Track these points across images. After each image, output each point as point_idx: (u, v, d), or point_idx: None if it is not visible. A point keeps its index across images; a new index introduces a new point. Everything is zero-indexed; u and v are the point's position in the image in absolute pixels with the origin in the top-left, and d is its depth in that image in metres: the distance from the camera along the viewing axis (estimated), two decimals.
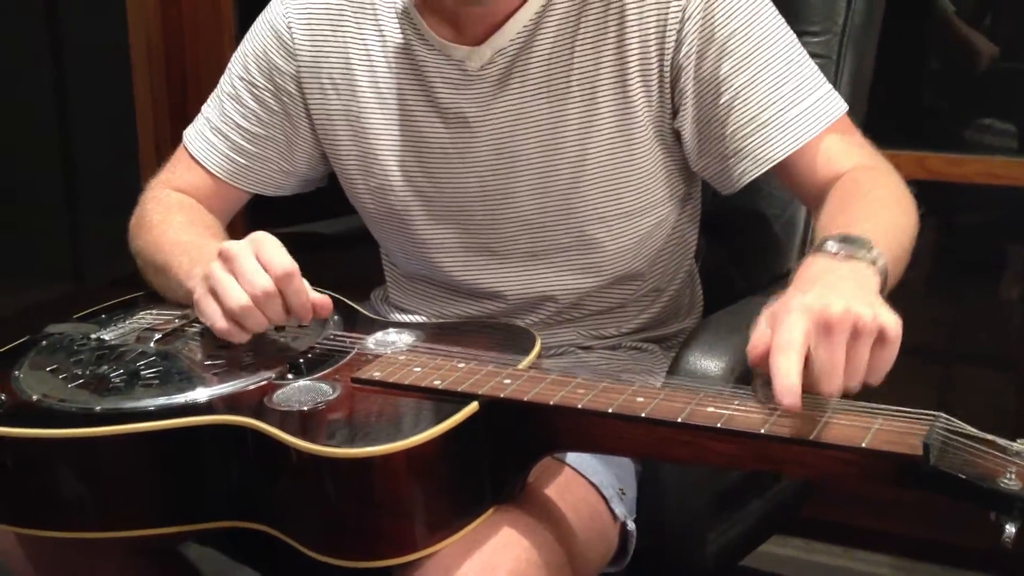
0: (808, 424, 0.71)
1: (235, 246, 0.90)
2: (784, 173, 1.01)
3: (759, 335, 0.76)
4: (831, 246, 0.82)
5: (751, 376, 0.77)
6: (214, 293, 0.89)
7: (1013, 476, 0.63)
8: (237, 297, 0.87)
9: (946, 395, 1.85)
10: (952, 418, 0.69)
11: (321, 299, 0.91)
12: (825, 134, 0.99)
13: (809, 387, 0.72)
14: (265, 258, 0.88)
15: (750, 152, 0.99)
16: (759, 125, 0.98)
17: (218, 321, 0.89)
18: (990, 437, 0.67)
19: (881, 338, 0.73)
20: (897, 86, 1.72)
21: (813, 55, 1.24)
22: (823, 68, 1.23)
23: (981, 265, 1.81)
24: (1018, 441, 0.67)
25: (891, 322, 0.73)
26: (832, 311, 0.72)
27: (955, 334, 1.87)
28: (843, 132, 1.01)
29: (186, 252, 1.02)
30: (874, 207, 0.91)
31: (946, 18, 1.74)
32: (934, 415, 0.70)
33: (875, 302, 0.75)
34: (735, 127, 0.99)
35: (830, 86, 1.02)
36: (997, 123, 1.72)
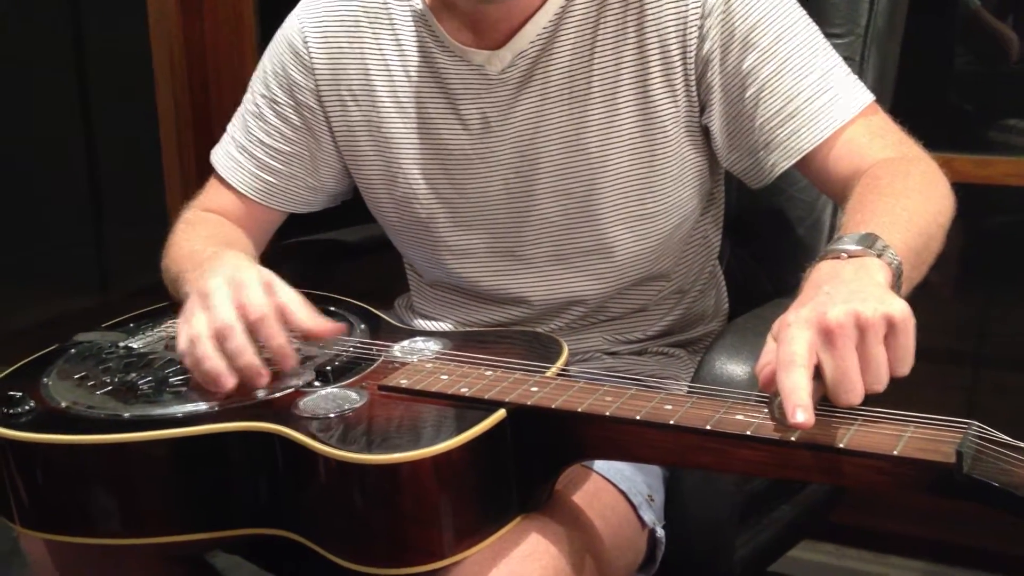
0: (839, 432, 0.70)
1: (211, 283, 0.88)
2: (810, 166, 0.99)
3: (765, 356, 0.74)
4: (836, 248, 0.80)
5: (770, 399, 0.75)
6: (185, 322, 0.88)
7: None
8: (198, 329, 0.86)
9: (975, 399, 1.83)
10: (985, 426, 0.68)
11: (321, 328, 0.89)
12: (852, 123, 0.98)
13: (831, 400, 0.71)
14: (243, 299, 0.86)
15: (780, 143, 0.98)
16: (787, 116, 0.98)
17: (180, 343, 0.88)
18: (1023, 445, 0.66)
19: (891, 327, 0.70)
20: (922, 87, 1.70)
21: None
22: None
23: (1009, 267, 1.79)
24: None
25: (897, 309, 0.71)
26: (830, 317, 0.70)
27: (983, 337, 1.85)
28: (870, 120, 0.99)
29: (192, 259, 1.01)
30: (892, 199, 0.88)
31: (973, 13, 1.73)
32: (967, 423, 0.69)
33: (879, 294, 0.73)
34: (763, 119, 0.98)
35: (855, 75, 1.01)
36: (1023, 123, 1.71)
